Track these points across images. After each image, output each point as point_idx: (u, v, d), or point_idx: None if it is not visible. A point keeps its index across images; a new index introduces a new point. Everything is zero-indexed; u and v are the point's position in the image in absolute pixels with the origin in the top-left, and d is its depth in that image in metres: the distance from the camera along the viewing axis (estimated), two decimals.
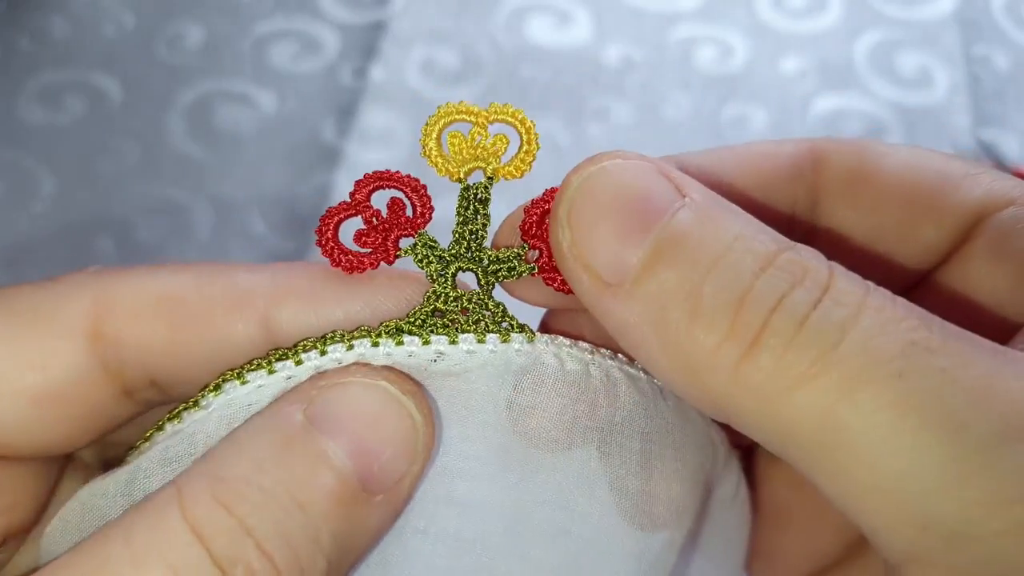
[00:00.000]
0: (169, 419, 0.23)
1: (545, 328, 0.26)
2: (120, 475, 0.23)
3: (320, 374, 0.22)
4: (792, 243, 0.20)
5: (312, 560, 0.19)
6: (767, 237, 0.20)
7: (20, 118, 0.72)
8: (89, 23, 0.79)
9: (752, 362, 0.18)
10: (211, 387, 0.22)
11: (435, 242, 0.23)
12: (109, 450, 0.27)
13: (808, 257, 0.19)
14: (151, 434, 0.23)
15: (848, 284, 0.19)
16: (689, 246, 0.19)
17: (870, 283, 0.19)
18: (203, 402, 0.22)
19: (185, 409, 0.23)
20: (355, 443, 0.20)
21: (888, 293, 0.19)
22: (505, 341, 0.23)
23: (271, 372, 0.22)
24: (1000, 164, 0.72)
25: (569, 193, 0.21)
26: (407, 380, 0.22)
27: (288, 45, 0.78)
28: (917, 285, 0.26)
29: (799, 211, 0.26)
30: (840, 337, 0.18)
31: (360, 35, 0.78)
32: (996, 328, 0.24)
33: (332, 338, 0.22)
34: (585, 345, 0.23)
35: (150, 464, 0.22)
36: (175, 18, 0.79)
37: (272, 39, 0.78)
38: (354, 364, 0.22)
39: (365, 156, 0.71)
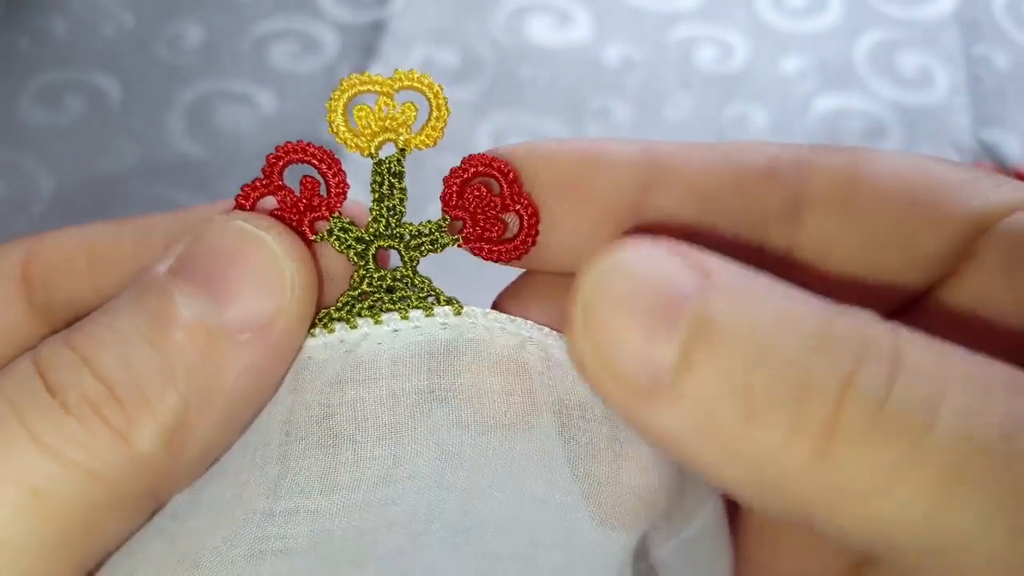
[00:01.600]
0: None
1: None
2: None
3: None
4: (841, 308, 0.17)
5: (160, 390, 0.19)
6: (812, 308, 0.17)
7: (20, 118, 0.72)
8: (89, 23, 0.79)
9: (830, 459, 0.16)
10: None
11: (352, 224, 0.23)
12: None
13: (866, 323, 0.17)
14: None
15: (922, 352, 0.16)
16: (726, 336, 0.17)
17: (943, 343, 0.17)
18: None
19: None
20: (209, 282, 0.20)
21: (963, 351, 0.16)
22: (429, 315, 0.22)
23: None
24: (1001, 164, 0.72)
25: (583, 297, 0.19)
26: (265, 218, 0.22)
27: (288, 45, 0.78)
28: (915, 303, 0.24)
29: (771, 220, 0.23)
30: (931, 420, 0.16)
31: (360, 35, 0.79)
32: (1012, 347, 0.21)
33: None
34: (525, 322, 0.22)
35: None
36: (175, 18, 0.80)
37: (272, 39, 0.78)
38: (216, 213, 0.22)
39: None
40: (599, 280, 0.18)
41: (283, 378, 0.22)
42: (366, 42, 0.78)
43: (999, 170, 0.71)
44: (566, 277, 0.22)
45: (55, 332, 0.23)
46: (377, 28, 0.79)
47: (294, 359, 0.22)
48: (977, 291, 0.22)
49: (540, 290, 0.24)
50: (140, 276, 0.21)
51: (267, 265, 0.21)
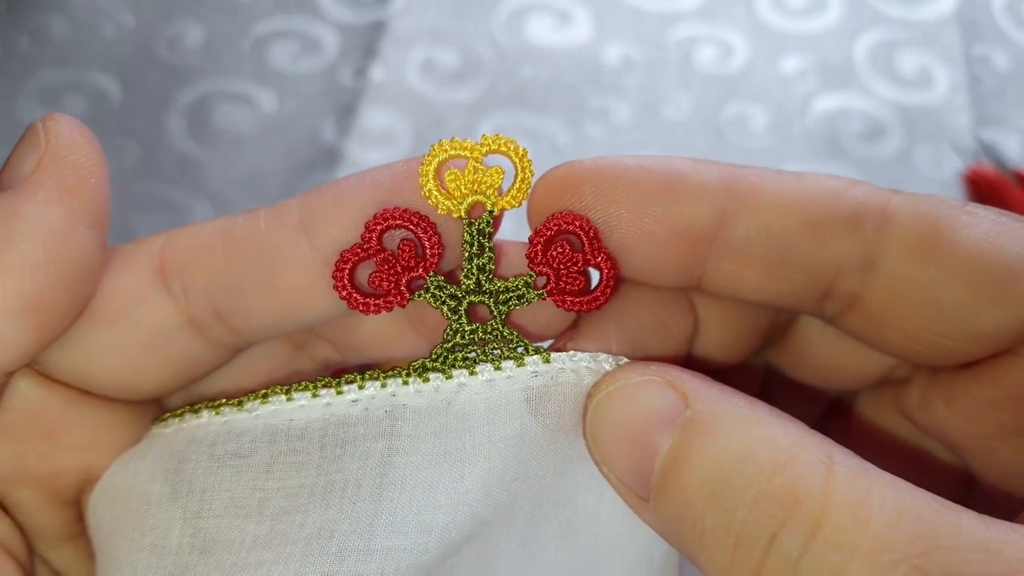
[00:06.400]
0: (207, 407, 0.25)
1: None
2: (167, 461, 0.24)
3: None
4: (793, 452, 0.20)
5: None
6: (765, 452, 0.20)
7: (20, 118, 0.72)
8: (89, 23, 0.79)
9: None
10: (258, 396, 0.24)
11: (445, 282, 0.24)
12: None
13: (804, 478, 0.19)
14: (183, 412, 0.25)
15: (843, 515, 0.19)
16: (688, 473, 0.20)
17: (874, 496, 0.19)
18: (247, 405, 0.24)
19: (226, 405, 0.25)
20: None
21: (891, 506, 0.19)
22: (521, 366, 0.24)
23: (314, 396, 0.24)
24: (1000, 164, 0.72)
25: (589, 420, 0.23)
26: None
27: (288, 45, 0.78)
28: (969, 368, 0.24)
29: (844, 268, 0.24)
30: None
31: (360, 35, 0.78)
32: None
33: (371, 375, 0.24)
34: (604, 356, 0.24)
35: (199, 457, 0.24)
36: (175, 18, 0.80)
37: (272, 39, 0.78)
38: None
39: (365, 156, 0.71)
40: (597, 411, 0.23)
41: None
42: (366, 42, 0.78)
43: (998, 170, 0.72)
44: (642, 287, 0.25)
45: (193, 324, 0.25)
46: (377, 28, 0.79)
47: None
48: None
49: (616, 303, 0.25)
50: None
51: None
